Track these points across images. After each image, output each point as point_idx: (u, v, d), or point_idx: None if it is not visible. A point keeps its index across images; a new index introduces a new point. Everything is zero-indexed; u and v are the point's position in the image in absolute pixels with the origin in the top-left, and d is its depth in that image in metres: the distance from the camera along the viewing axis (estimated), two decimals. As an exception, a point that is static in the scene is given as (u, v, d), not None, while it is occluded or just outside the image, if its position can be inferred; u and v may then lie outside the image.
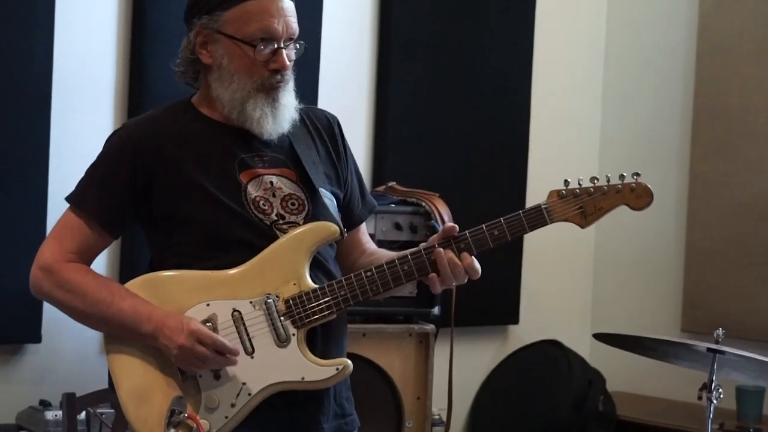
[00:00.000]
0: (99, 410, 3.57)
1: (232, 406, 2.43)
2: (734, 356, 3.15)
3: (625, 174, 2.50)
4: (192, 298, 2.46)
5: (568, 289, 5.28)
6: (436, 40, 4.72)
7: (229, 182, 2.50)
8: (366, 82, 4.62)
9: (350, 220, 2.67)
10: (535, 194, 4.51)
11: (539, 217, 2.48)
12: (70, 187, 2.58)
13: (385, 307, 3.89)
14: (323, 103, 4.28)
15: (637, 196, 2.49)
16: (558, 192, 2.49)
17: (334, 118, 2.70)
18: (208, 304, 2.46)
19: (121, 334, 2.47)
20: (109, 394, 2.66)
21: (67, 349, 3.82)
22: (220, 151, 2.53)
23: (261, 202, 2.51)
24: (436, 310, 4.02)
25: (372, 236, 3.74)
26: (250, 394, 2.43)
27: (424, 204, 4.05)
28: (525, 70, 5.01)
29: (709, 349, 3.15)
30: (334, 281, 2.48)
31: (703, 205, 4.99)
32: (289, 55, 2.52)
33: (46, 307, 3.50)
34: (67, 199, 2.56)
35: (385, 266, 2.47)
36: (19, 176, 3.70)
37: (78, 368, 3.82)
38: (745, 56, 4.89)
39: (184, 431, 2.41)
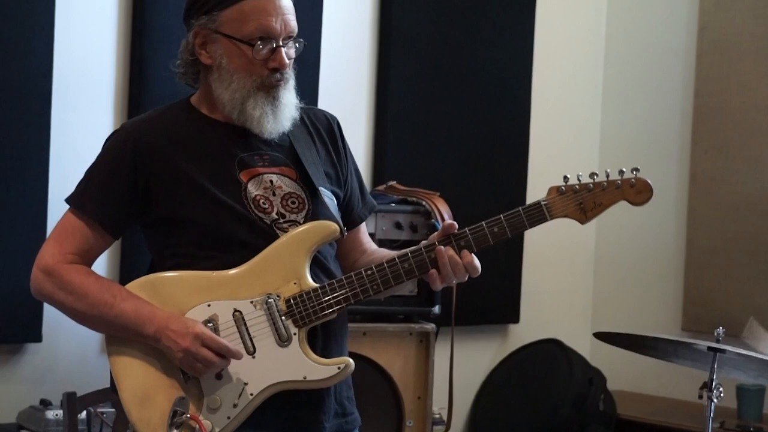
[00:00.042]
0: (100, 409, 3.57)
1: (234, 406, 2.43)
2: (735, 355, 3.15)
3: (624, 169, 2.50)
4: (193, 299, 2.46)
5: (569, 288, 5.28)
6: (436, 40, 4.72)
7: (229, 181, 2.50)
8: (366, 82, 4.62)
9: (350, 220, 2.67)
10: (536, 193, 4.49)
11: (539, 214, 2.48)
12: (71, 187, 2.58)
13: (385, 306, 3.89)
14: (323, 103, 4.29)
15: (637, 192, 2.49)
16: (557, 188, 2.49)
17: (334, 118, 2.70)
18: (209, 305, 2.46)
19: (122, 335, 2.47)
20: (109, 394, 2.66)
21: (67, 348, 3.82)
22: (220, 150, 2.53)
23: (261, 201, 2.51)
24: (436, 309, 4.02)
25: (372, 235, 3.75)
26: (252, 394, 2.43)
27: (424, 203, 4.05)
28: (525, 69, 5.01)
29: (709, 348, 3.15)
30: (334, 280, 2.48)
31: (704, 204, 5.00)
32: (288, 53, 2.51)
33: (47, 306, 3.49)
34: (67, 200, 2.56)
35: (385, 264, 2.47)
36: (19, 176, 3.70)
37: (78, 367, 3.82)
38: (746, 55, 4.89)
39: (186, 432, 2.41)
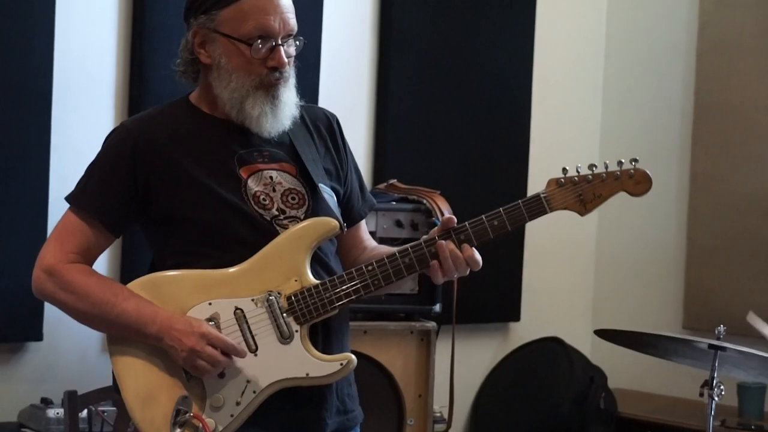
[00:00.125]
0: (101, 408, 3.57)
1: (237, 404, 2.43)
2: (736, 353, 3.15)
3: (623, 160, 2.49)
4: (194, 298, 2.46)
5: (570, 286, 5.28)
6: (436, 40, 4.72)
7: (229, 178, 2.50)
8: (366, 82, 4.62)
9: (350, 217, 2.67)
10: (536, 191, 4.50)
11: (538, 206, 2.48)
12: (71, 186, 2.57)
13: (386, 304, 3.89)
14: (323, 103, 4.28)
15: (636, 182, 2.48)
16: (557, 180, 2.49)
17: (333, 115, 2.70)
18: (210, 303, 2.46)
19: (124, 335, 2.47)
20: (110, 392, 2.66)
21: (68, 347, 3.82)
22: (219, 147, 2.52)
23: (261, 197, 2.50)
24: (437, 307, 4.02)
25: (373, 234, 3.76)
26: (254, 392, 2.43)
27: (425, 201, 4.05)
28: (525, 68, 5.01)
29: (710, 346, 3.15)
30: (335, 276, 2.47)
31: (704, 202, 5.00)
32: (288, 51, 2.51)
33: (48, 305, 3.48)
34: (67, 199, 2.56)
35: (386, 260, 2.46)
36: (19, 175, 3.70)
37: (79, 366, 3.82)
38: (746, 53, 4.89)
39: (190, 430, 2.41)
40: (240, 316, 2.45)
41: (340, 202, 2.63)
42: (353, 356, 2.47)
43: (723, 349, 3.13)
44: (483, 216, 2.47)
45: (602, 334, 3.43)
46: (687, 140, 5.08)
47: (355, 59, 4.59)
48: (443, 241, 2.46)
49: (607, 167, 2.49)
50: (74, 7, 3.83)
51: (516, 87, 4.99)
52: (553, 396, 4.78)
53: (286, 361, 2.43)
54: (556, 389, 4.79)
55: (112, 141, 2.56)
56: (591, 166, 2.49)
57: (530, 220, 2.49)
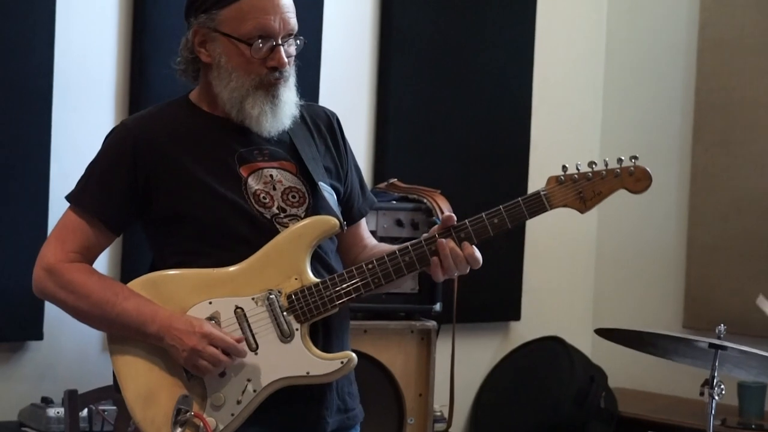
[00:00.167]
0: (101, 407, 3.58)
1: (238, 403, 2.43)
2: (736, 352, 3.15)
3: (623, 158, 2.49)
4: (194, 297, 2.46)
5: (570, 285, 5.28)
6: (436, 39, 4.72)
7: (229, 176, 2.49)
8: (366, 81, 4.62)
9: (351, 215, 2.66)
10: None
11: (538, 204, 2.48)
12: (72, 185, 2.57)
13: (386, 303, 3.89)
14: (324, 102, 4.27)
15: (636, 180, 2.48)
16: (556, 178, 2.48)
17: (334, 114, 2.70)
18: (210, 302, 2.46)
19: (125, 334, 2.47)
20: (111, 391, 2.66)
21: (68, 346, 3.82)
22: (220, 146, 2.52)
23: (262, 195, 2.50)
24: (437, 306, 4.02)
25: (373, 233, 3.74)
26: (255, 391, 2.43)
27: (425, 200, 4.05)
28: (525, 66, 5.02)
29: (711, 345, 3.15)
30: (335, 275, 2.47)
31: (705, 201, 5.00)
32: (288, 51, 2.50)
33: (48, 304, 3.48)
34: (68, 198, 2.56)
35: (386, 258, 2.46)
36: (20, 175, 3.70)
37: (80, 365, 3.83)
38: (747, 51, 4.89)
39: (190, 430, 2.41)
40: (240, 314, 2.45)
41: (341, 201, 2.63)
42: (354, 355, 2.47)
43: (723, 348, 3.13)
44: (483, 214, 2.47)
45: (603, 333, 3.43)
46: (687, 139, 5.08)
47: (355, 59, 4.59)
48: (443, 239, 2.46)
49: (607, 165, 2.49)
50: (74, 7, 3.83)
51: (516, 87, 4.99)
52: (554, 395, 4.77)
53: (286, 359, 2.43)
54: (557, 388, 4.79)
55: (112, 140, 2.56)
56: (591, 164, 2.49)
57: (530, 217, 2.49)
